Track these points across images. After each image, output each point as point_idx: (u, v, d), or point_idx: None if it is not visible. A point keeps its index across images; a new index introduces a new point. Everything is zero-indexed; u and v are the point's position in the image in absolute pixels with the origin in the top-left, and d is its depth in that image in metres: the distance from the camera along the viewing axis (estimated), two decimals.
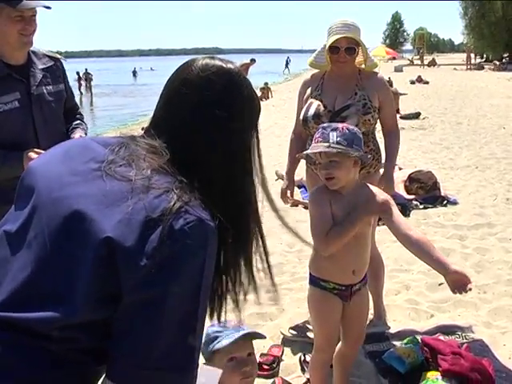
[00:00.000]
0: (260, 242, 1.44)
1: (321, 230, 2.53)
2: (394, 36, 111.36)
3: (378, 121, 3.52)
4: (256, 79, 26.15)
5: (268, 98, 22.97)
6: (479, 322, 3.73)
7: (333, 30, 3.37)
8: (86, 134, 3.03)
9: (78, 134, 2.95)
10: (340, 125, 2.58)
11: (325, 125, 2.60)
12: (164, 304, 1.16)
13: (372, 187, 2.68)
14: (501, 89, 24.20)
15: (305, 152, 2.71)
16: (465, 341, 3.42)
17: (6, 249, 1.28)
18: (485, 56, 62.45)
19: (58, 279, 1.18)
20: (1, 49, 2.71)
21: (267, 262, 1.48)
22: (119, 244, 1.14)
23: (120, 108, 26.32)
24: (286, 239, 5.54)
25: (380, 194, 2.65)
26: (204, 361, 2.21)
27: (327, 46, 3.37)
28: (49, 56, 2.97)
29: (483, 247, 5.15)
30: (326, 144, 2.46)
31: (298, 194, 7.25)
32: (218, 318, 1.46)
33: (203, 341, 2.99)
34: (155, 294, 1.15)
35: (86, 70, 42.08)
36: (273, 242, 5.46)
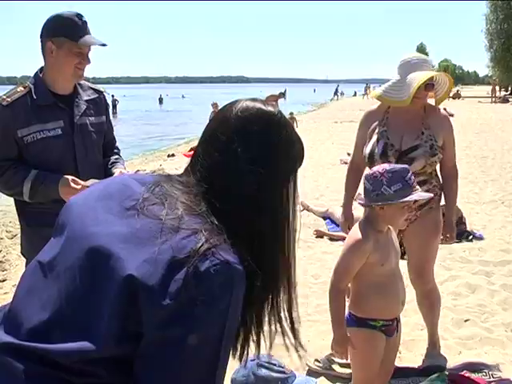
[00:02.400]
0: (287, 292, 1.42)
1: (343, 281, 2.60)
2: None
3: None
4: (282, 109, 26.32)
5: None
6: (506, 360, 3.69)
7: (418, 65, 3.31)
8: (124, 168, 3.12)
9: (118, 170, 3.04)
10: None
11: (407, 166, 2.59)
12: (184, 346, 1.15)
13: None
14: None
15: (424, 196, 2.65)
16: (492, 379, 3.39)
17: (37, 278, 1.30)
18: (510, 89, 62.14)
19: (83, 313, 1.19)
20: (52, 78, 2.86)
21: (290, 317, 1.45)
22: (142, 283, 1.13)
23: (145, 134, 26.58)
24: (311, 270, 5.56)
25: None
26: None
27: (420, 82, 3.21)
28: (93, 89, 3.11)
29: (510, 284, 5.09)
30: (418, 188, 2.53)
31: (323, 225, 7.29)
32: (240, 359, 1.43)
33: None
34: (176, 335, 1.14)
35: (113, 96, 42.73)
36: (298, 272, 5.46)
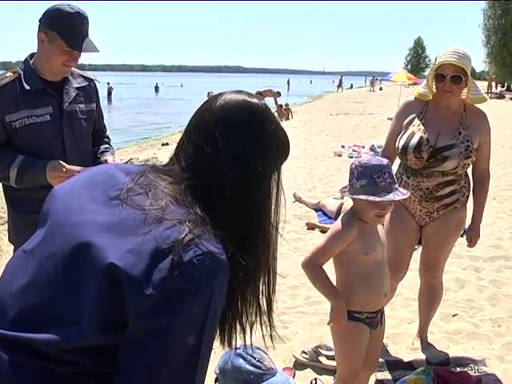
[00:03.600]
0: (268, 280, 1.43)
1: (319, 260, 2.61)
2: (416, 61, 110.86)
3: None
4: (281, 99, 26.25)
5: (288, 118, 23.03)
6: (492, 355, 3.71)
7: (441, 57, 3.21)
8: (113, 158, 3.11)
9: (108, 158, 3.04)
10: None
11: (386, 162, 2.51)
12: (168, 335, 1.15)
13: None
14: None
15: (392, 198, 2.44)
16: (477, 374, 3.41)
17: (21, 267, 1.30)
18: (506, 85, 62.21)
19: (67, 302, 1.19)
20: (41, 66, 2.83)
21: (269, 300, 1.46)
22: (126, 272, 1.13)
23: (140, 122, 26.51)
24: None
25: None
26: None
27: (433, 73, 3.24)
28: (84, 76, 3.08)
29: (499, 280, 5.12)
30: (396, 185, 2.50)
31: (314, 217, 7.29)
32: (229, 344, 1.45)
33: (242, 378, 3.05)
34: (159, 324, 1.15)
35: (108, 83, 42.63)
36: (287, 264, 5.48)
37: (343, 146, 14.23)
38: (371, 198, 2.42)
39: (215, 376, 3.25)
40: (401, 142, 3.39)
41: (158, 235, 1.17)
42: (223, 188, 1.30)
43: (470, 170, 3.54)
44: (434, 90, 3.34)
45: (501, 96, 44.29)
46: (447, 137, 3.29)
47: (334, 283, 2.66)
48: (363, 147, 13.89)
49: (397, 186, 2.49)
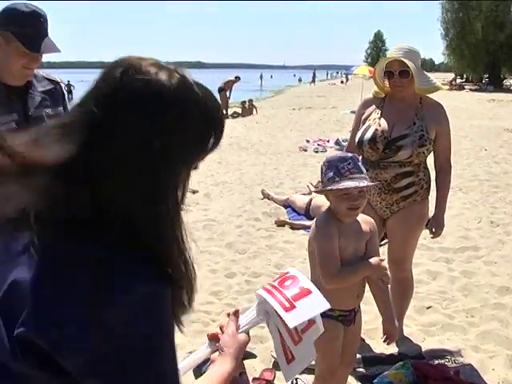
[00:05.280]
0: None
1: (334, 266, 2.51)
2: (376, 55, 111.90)
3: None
4: (239, 95, 26.23)
5: (252, 114, 23.01)
6: (467, 346, 3.76)
7: (387, 56, 3.41)
8: None
9: None
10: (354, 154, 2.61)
11: (350, 154, 2.54)
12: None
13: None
14: (481, 110, 24.53)
15: (349, 185, 2.43)
16: (454, 365, 3.45)
17: None
18: (465, 76, 63.27)
19: None
20: (2, 71, 2.69)
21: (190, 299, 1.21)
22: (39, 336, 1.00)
23: None
24: (274, 260, 5.55)
25: (367, 221, 2.70)
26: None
27: (382, 71, 3.43)
28: (49, 79, 2.96)
29: (470, 270, 5.20)
30: (363, 175, 2.48)
31: (284, 214, 7.28)
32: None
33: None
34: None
35: (69, 81, 42.00)
36: (261, 262, 5.47)
37: (308, 141, 14.27)
38: (335, 186, 2.44)
39: None
40: (357, 136, 3.53)
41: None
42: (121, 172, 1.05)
43: (431, 164, 3.61)
44: (386, 86, 3.52)
45: (461, 87, 45.09)
46: (402, 128, 3.41)
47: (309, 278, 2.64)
48: (328, 141, 13.95)
49: (365, 176, 2.49)
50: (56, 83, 3.01)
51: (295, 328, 1.52)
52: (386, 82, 3.52)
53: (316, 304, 1.54)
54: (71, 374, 1.01)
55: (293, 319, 1.45)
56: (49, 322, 1.00)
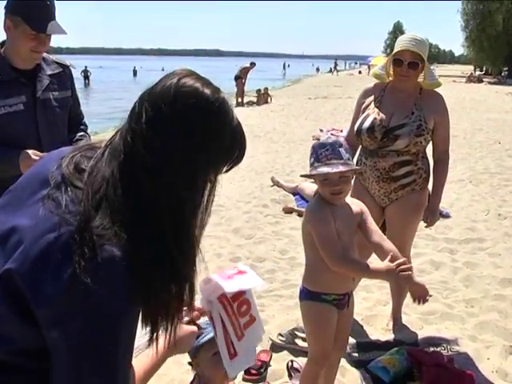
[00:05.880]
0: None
1: (335, 249, 2.53)
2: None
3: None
4: (256, 83, 26.21)
5: (267, 102, 23.00)
6: (465, 335, 3.79)
7: (399, 43, 3.38)
8: None
9: None
10: (341, 138, 2.62)
11: (331, 140, 2.54)
12: (72, 345, 1.12)
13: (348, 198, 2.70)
14: (499, 103, 24.30)
15: (323, 171, 2.47)
16: (450, 353, 3.48)
17: None
18: (484, 69, 62.62)
19: None
20: (12, 55, 2.77)
21: (191, 298, 1.36)
22: (23, 280, 1.13)
23: (120, 106, 26.27)
24: (279, 246, 5.61)
25: (357, 203, 2.73)
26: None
27: (391, 58, 3.42)
28: (58, 63, 3.02)
29: (473, 262, 5.21)
30: (342, 161, 2.48)
31: (292, 201, 7.32)
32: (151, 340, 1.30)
33: None
34: (61, 336, 1.12)
35: (86, 67, 42.18)
36: (266, 248, 5.53)
37: (321, 130, 14.25)
38: (313, 172, 2.51)
39: None
40: (356, 125, 3.56)
41: (65, 241, 1.13)
42: (148, 177, 1.21)
43: (430, 154, 3.61)
44: (391, 73, 3.53)
45: (480, 80, 44.64)
46: (400, 117, 3.43)
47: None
48: (341, 131, 13.89)
49: (343, 162, 2.48)
50: (65, 66, 3.06)
51: (238, 321, 1.64)
52: (391, 69, 3.53)
53: (252, 280, 1.67)
54: (40, 324, 1.12)
55: (229, 285, 1.58)
56: (34, 271, 1.12)
